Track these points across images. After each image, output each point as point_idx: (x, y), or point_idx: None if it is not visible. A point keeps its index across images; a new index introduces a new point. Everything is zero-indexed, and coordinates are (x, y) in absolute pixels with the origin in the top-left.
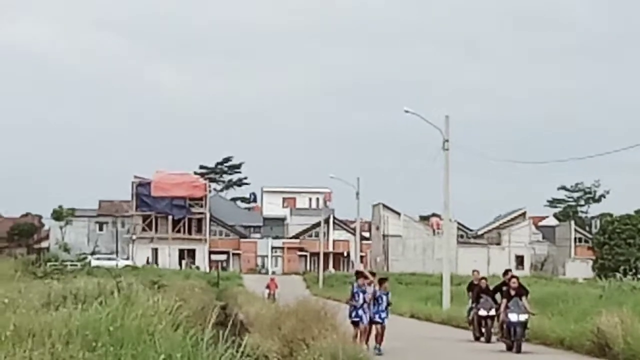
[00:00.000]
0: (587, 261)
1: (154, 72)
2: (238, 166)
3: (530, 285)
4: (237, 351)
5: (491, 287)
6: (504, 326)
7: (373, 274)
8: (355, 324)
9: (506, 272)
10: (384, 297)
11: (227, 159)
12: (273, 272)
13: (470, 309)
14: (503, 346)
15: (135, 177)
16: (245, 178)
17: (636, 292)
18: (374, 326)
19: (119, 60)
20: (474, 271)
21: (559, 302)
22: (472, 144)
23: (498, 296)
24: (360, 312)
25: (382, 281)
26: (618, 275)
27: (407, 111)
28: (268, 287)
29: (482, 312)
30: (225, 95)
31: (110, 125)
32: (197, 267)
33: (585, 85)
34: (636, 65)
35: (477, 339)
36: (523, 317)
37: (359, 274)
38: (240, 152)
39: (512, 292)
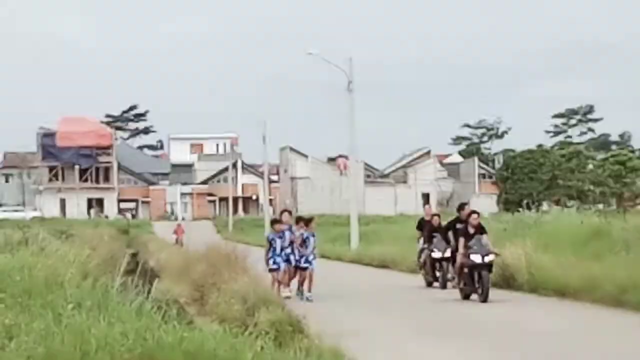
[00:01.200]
0: (491, 196)
1: (58, 21)
2: (143, 114)
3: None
4: (147, 297)
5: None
6: (464, 270)
7: (300, 219)
8: (273, 271)
9: (462, 206)
10: (311, 239)
11: (132, 107)
12: (183, 219)
13: (422, 250)
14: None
15: (41, 128)
16: (152, 126)
17: (538, 225)
18: (299, 272)
19: (22, 8)
20: (425, 205)
21: None
22: (378, 85)
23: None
24: (278, 259)
25: (308, 222)
26: (521, 209)
27: (310, 53)
28: (175, 232)
29: (437, 254)
30: (129, 43)
31: (13, 75)
32: (106, 217)
33: (485, 24)
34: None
35: (429, 284)
36: (488, 259)
37: (274, 221)
38: (145, 100)
39: (472, 230)
